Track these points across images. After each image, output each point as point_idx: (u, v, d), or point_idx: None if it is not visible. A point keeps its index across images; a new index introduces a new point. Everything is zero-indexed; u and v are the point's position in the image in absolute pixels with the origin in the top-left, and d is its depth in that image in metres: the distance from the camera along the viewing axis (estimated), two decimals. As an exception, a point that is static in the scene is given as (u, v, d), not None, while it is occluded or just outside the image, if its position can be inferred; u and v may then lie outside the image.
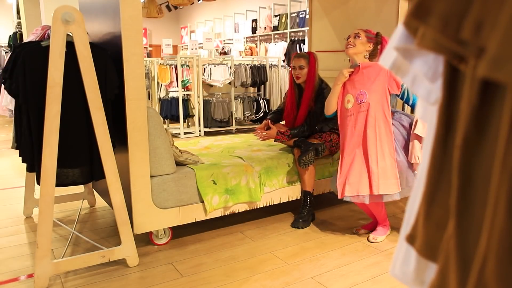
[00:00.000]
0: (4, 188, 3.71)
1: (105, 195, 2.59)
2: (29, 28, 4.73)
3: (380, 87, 2.39)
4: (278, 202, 2.82)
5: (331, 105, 2.53)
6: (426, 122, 0.73)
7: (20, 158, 2.17)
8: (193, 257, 2.34)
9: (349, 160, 2.44)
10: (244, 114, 6.70)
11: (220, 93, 6.78)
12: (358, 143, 2.42)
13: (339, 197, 2.45)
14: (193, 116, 6.84)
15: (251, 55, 8.88)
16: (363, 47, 2.42)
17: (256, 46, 9.94)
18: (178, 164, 2.50)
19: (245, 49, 8.89)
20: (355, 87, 2.43)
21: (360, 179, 2.38)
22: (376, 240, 2.55)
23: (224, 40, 11.31)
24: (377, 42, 2.46)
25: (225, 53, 9.62)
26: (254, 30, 10.25)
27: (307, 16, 5.52)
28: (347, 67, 2.50)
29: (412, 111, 2.87)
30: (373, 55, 2.48)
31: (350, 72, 2.45)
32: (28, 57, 1.96)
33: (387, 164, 2.37)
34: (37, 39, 2.33)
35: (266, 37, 9.82)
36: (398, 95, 2.52)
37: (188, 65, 6.70)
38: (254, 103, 6.77)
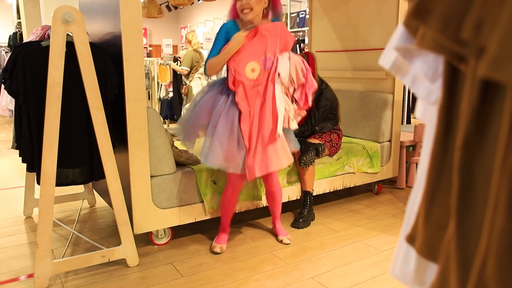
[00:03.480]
0: (4, 188, 3.71)
1: (105, 195, 2.59)
2: (29, 28, 4.72)
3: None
4: (278, 202, 2.82)
5: (215, 69, 2.20)
6: (426, 122, 0.73)
7: (20, 158, 2.17)
8: (193, 257, 2.34)
9: (256, 137, 2.17)
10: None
11: (220, 93, 6.76)
12: (267, 116, 2.15)
13: (248, 180, 2.25)
14: (193, 116, 6.82)
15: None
16: (259, 6, 2.11)
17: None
18: (178, 164, 2.50)
19: None
20: (258, 52, 2.13)
21: (269, 155, 2.20)
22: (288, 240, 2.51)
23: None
24: None
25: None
26: (254, 30, 10.22)
27: (307, 16, 5.51)
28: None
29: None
30: (265, 13, 2.20)
31: (247, 35, 2.12)
32: (28, 57, 1.96)
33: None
34: (37, 39, 2.33)
35: (266, 37, 9.79)
36: None
37: (188, 65, 6.68)
38: (254, 103, 6.76)
